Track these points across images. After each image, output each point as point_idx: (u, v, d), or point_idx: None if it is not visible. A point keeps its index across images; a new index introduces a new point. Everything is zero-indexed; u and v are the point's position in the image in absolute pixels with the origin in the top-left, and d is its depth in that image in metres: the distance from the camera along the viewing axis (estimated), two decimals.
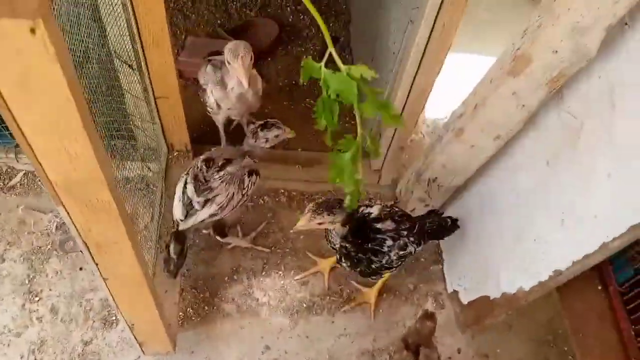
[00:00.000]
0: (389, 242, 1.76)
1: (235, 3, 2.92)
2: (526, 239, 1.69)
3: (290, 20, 2.91)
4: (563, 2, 1.36)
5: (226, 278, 2.06)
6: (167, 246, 1.78)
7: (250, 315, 1.99)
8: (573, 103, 1.56)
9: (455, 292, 2.05)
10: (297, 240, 2.19)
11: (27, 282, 1.97)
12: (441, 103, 2.47)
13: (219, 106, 2.00)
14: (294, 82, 2.64)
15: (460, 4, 1.58)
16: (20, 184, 2.20)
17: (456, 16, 1.62)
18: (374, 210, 1.81)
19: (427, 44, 1.72)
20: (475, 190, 2.01)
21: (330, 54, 0.77)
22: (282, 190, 2.30)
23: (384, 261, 1.77)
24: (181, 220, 1.77)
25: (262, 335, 1.95)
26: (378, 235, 1.77)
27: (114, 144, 2.13)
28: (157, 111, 2.01)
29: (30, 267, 2.00)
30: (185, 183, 1.78)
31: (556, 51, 1.44)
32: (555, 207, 1.58)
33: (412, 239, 1.79)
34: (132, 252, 1.11)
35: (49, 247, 2.05)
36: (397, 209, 1.85)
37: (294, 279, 2.08)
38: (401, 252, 1.78)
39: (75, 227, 1.01)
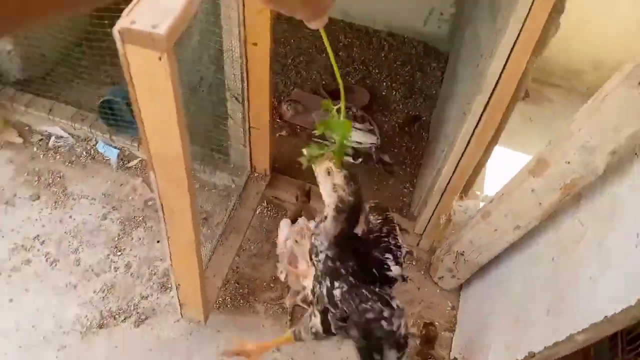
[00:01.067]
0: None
1: (340, 70, 3.41)
2: (520, 323, 1.88)
3: (383, 93, 3.34)
4: (577, 122, 1.63)
5: (264, 283, 2.44)
6: None
7: (273, 319, 2.33)
8: (585, 213, 1.78)
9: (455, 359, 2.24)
10: None
11: (116, 239, 2.49)
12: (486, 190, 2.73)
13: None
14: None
15: (502, 104, 1.89)
16: (135, 167, 2.78)
17: (497, 115, 1.92)
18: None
19: (472, 134, 2.03)
20: (495, 272, 2.23)
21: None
22: None
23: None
24: None
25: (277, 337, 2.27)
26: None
27: (213, 155, 2.66)
28: (249, 138, 2.49)
29: (122, 229, 2.53)
30: None
31: (569, 162, 1.69)
32: (547, 298, 1.77)
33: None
34: (191, 222, 1.53)
35: (140, 219, 2.57)
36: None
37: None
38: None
39: (158, 191, 1.46)
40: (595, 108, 1.57)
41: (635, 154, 1.62)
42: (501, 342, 1.93)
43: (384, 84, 3.42)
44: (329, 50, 1.11)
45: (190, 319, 2.18)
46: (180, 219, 1.53)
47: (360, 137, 2.83)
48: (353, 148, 2.82)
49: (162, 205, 1.51)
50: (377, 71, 3.48)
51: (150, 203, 2.60)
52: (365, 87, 3.31)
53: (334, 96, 3.08)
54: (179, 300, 2.02)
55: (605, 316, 1.43)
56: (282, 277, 2.09)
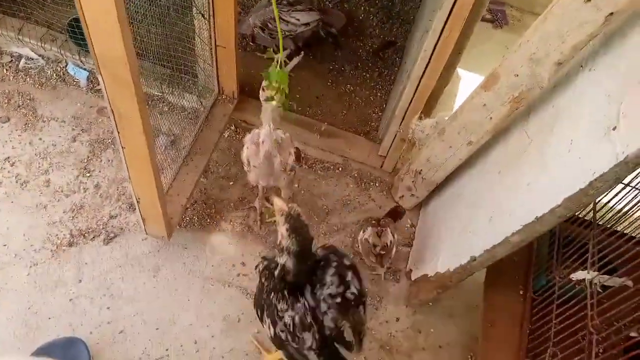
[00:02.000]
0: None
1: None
2: (466, 231, 1.97)
3: (360, 17, 3.30)
4: (526, 34, 1.64)
5: (232, 204, 2.51)
6: None
7: (239, 237, 2.42)
8: (532, 125, 1.82)
9: (410, 271, 2.35)
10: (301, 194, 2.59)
11: (85, 161, 2.53)
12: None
13: (249, 163, 2.08)
14: (342, 69, 3.03)
15: (460, 20, 1.88)
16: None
17: (455, 32, 1.91)
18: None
19: (432, 52, 2.04)
20: (449, 190, 2.30)
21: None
22: (301, 151, 2.70)
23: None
24: None
25: (243, 254, 2.37)
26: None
27: (182, 77, 2.66)
28: (216, 57, 2.48)
29: (92, 151, 2.57)
30: None
31: (517, 74, 1.72)
32: (490, 207, 1.85)
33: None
34: (142, 127, 1.56)
35: (109, 141, 2.60)
36: None
37: None
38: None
39: (107, 95, 1.48)
40: (542, 19, 1.58)
41: (581, 66, 1.65)
42: (449, 251, 2.03)
43: (362, 8, 3.36)
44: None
45: (154, 235, 2.26)
46: (131, 124, 1.56)
47: (305, 18, 2.87)
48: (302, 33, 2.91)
49: (112, 111, 1.54)
50: None
51: (102, 111, 2.66)
52: (342, 11, 3.27)
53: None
54: (141, 215, 2.09)
55: (536, 216, 1.50)
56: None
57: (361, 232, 2.30)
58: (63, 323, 2.10)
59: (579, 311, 1.61)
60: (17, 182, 2.43)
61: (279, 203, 1.56)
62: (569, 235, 1.88)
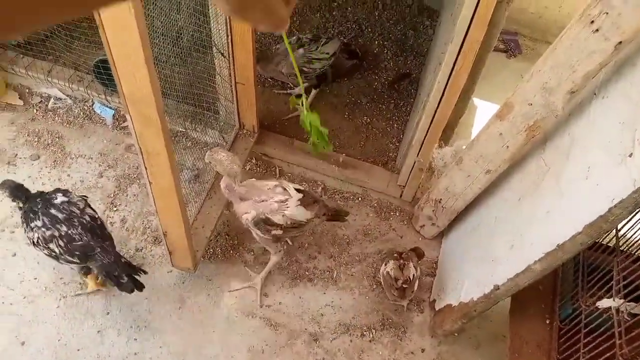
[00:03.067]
0: None
1: (334, 29, 3.47)
2: (488, 260, 1.97)
3: (375, 51, 3.38)
4: (537, 64, 1.68)
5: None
6: None
7: (261, 268, 2.45)
8: (549, 153, 1.85)
9: (434, 301, 2.34)
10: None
11: (112, 195, 2.61)
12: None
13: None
14: (359, 101, 3.09)
15: (472, 52, 1.93)
16: None
17: (468, 63, 1.96)
18: None
19: (446, 83, 2.08)
20: (470, 218, 2.31)
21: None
22: (319, 182, 2.76)
23: None
24: None
25: (265, 284, 2.40)
26: None
27: (204, 113, 2.76)
28: (236, 94, 2.57)
29: (118, 186, 2.65)
30: None
31: (531, 104, 1.75)
32: (511, 235, 1.86)
33: None
34: (169, 164, 1.63)
35: (134, 176, 2.69)
36: None
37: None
38: None
39: (135, 132, 1.56)
40: (552, 49, 1.62)
41: (594, 94, 1.68)
42: (473, 280, 2.03)
43: (376, 42, 3.45)
44: (290, 54, 1.58)
45: (180, 268, 2.31)
46: (157, 160, 1.62)
47: (331, 48, 2.92)
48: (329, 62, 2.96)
49: (140, 148, 1.61)
50: (369, 30, 3.52)
51: (132, 148, 2.74)
52: (357, 45, 3.36)
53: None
54: (168, 248, 2.14)
55: (557, 244, 1.51)
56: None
57: (383, 265, 2.32)
58: (91, 355, 2.14)
59: (607, 340, 1.59)
60: None
61: None
62: (593, 262, 1.87)
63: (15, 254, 2.39)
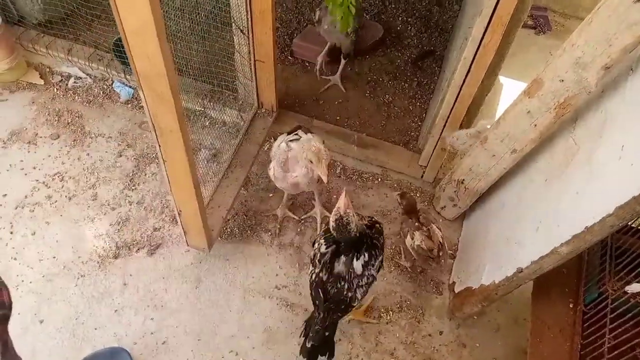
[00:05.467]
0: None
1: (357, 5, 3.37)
2: (511, 242, 1.90)
3: (398, 28, 3.28)
4: (570, 38, 1.59)
5: (271, 215, 2.52)
6: None
7: (279, 248, 2.42)
8: (579, 132, 1.75)
9: (453, 283, 2.28)
10: None
11: (131, 174, 2.60)
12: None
13: (276, 179, 2.19)
14: (380, 79, 3.01)
15: (501, 27, 1.83)
16: None
17: (496, 38, 1.87)
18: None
19: (472, 60, 1.99)
20: (494, 199, 2.23)
21: None
22: (338, 162, 2.70)
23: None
24: None
25: (281, 266, 2.37)
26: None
27: (223, 92, 2.71)
28: (255, 72, 2.52)
29: (137, 165, 2.64)
30: None
31: (562, 80, 1.66)
32: (537, 217, 1.78)
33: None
34: (182, 141, 1.59)
35: (153, 155, 2.67)
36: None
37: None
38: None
39: (149, 110, 1.52)
40: (588, 22, 1.52)
41: (631, 69, 1.58)
42: (494, 262, 1.96)
43: (400, 18, 3.35)
44: None
45: (195, 247, 2.29)
46: (171, 138, 1.59)
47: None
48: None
49: (153, 125, 1.58)
50: (393, 6, 3.41)
51: (143, 125, 2.75)
52: (380, 22, 3.26)
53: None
54: (183, 227, 2.12)
55: (586, 226, 1.44)
56: (270, 173, 2.19)
57: (409, 239, 2.20)
58: (108, 334, 2.14)
59: (635, 326, 1.51)
60: (66, 196, 2.53)
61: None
62: (622, 246, 1.78)
63: (34, 233, 2.40)
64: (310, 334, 1.91)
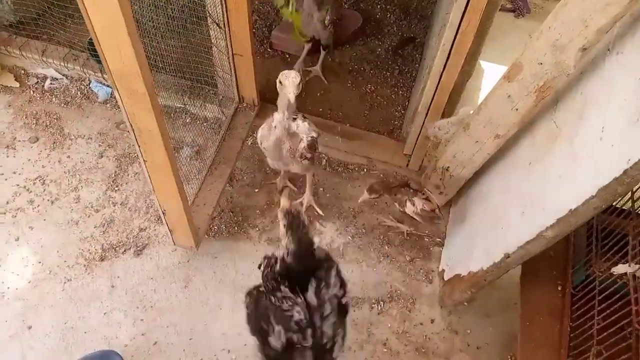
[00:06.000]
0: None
1: None
2: (498, 228, 1.91)
3: (377, 16, 3.26)
4: (547, 21, 1.58)
5: (258, 211, 2.50)
6: None
7: (267, 243, 2.41)
8: (560, 115, 1.76)
9: (443, 271, 2.29)
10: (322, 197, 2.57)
11: (113, 175, 2.57)
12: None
13: (261, 144, 2.13)
14: (362, 69, 3.00)
15: (477, 13, 1.82)
16: None
17: (473, 23, 1.86)
18: None
19: (451, 46, 1.99)
20: (479, 185, 2.24)
21: None
22: (323, 155, 2.69)
23: None
24: None
25: None
26: None
27: (202, 88, 2.68)
28: (234, 66, 2.49)
29: (118, 166, 2.61)
30: None
31: (541, 63, 1.66)
32: (521, 201, 1.79)
33: None
34: (161, 139, 1.57)
35: (135, 155, 2.64)
36: None
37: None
38: None
39: (125, 110, 1.49)
40: (563, 3, 1.52)
41: (608, 50, 1.58)
42: (482, 249, 1.97)
43: (378, 6, 3.33)
44: None
45: (182, 246, 2.27)
46: (150, 138, 1.56)
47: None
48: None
49: (131, 125, 1.55)
50: None
51: (121, 126, 2.71)
52: (358, 10, 3.24)
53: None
54: (168, 226, 2.10)
55: (570, 209, 1.44)
56: (257, 136, 2.16)
57: (410, 207, 2.27)
58: (98, 337, 2.12)
59: (623, 306, 1.53)
60: (48, 200, 2.48)
61: (283, 201, 1.56)
62: (607, 227, 1.80)
63: (18, 239, 2.37)
64: None
